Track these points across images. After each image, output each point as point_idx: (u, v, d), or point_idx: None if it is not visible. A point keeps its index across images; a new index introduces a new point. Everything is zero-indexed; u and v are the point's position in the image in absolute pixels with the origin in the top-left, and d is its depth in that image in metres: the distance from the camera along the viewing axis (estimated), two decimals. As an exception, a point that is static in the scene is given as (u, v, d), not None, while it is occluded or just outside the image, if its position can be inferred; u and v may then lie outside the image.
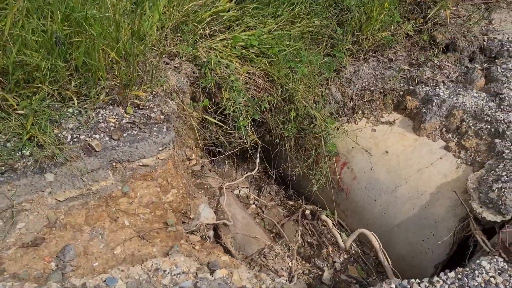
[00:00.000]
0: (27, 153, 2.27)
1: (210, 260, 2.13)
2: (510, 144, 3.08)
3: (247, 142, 3.30)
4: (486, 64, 3.76)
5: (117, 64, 2.45)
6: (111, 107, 2.60)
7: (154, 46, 2.95)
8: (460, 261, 2.94)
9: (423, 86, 3.65)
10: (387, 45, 3.88)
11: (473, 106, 3.38)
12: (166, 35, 3.09)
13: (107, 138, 2.47)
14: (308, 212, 4.04)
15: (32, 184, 2.21)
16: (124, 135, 2.51)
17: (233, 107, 3.13)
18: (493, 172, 2.93)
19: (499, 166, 2.94)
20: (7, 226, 2.13)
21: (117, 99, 2.59)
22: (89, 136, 2.44)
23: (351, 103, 3.80)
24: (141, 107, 2.64)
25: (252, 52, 3.48)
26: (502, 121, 3.20)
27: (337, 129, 3.63)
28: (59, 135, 2.38)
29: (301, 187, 4.18)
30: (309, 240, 3.89)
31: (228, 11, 3.53)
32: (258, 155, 3.97)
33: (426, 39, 3.91)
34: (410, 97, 3.65)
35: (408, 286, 1.98)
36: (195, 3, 3.27)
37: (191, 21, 3.32)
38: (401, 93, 3.74)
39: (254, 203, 4.18)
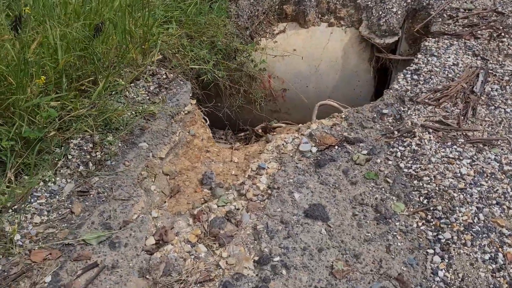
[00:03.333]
0: (111, 139, 2.48)
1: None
2: (367, -1, 4.42)
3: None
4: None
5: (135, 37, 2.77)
6: (132, 84, 2.88)
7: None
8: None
9: (288, -5, 4.73)
10: (245, -20, 4.79)
11: (329, -10, 4.62)
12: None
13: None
14: (260, 130, 4.81)
15: (137, 155, 2.46)
16: (160, 97, 2.86)
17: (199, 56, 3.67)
18: (371, 17, 4.21)
19: (372, 11, 4.23)
20: (149, 192, 2.38)
21: (135, 74, 2.90)
22: (138, 109, 2.73)
23: (247, 31, 4.63)
24: (154, 73, 2.98)
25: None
26: (353, -11, 4.51)
27: (256, 50, 4.45)
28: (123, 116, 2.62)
29: (243, 118, 4.90)
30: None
31: None
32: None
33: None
34: (286, 6, 4.69)
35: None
36: None
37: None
38: (277, 7, 4.75)
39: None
